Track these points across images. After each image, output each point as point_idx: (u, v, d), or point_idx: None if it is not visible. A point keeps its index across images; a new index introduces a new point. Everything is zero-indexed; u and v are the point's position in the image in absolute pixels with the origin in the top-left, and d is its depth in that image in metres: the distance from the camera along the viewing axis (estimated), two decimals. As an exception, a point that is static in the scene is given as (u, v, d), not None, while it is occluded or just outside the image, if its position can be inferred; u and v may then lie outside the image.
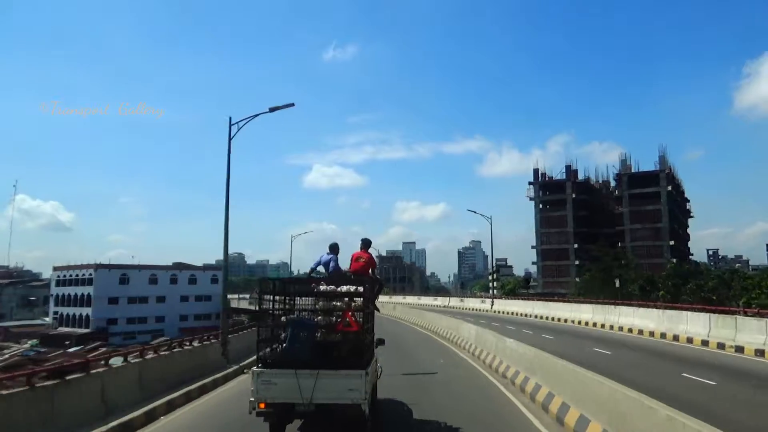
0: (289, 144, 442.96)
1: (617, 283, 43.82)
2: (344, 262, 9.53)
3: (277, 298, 8.22)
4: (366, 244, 9.68)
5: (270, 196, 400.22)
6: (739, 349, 17.58)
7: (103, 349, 38.91)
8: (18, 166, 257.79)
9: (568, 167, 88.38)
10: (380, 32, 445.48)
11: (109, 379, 9.52)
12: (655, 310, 25.30)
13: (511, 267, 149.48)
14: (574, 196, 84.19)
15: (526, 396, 10.91)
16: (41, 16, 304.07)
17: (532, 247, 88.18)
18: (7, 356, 41.67)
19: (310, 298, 8.31)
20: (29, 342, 59.88)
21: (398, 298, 74.16)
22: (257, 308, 9.07)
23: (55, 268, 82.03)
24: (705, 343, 19.54)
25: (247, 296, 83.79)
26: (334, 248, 9.48)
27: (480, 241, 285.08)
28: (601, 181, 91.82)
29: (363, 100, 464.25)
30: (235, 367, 15.36)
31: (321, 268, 9.44)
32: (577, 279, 72.22)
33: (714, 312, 21.05)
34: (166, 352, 12.32)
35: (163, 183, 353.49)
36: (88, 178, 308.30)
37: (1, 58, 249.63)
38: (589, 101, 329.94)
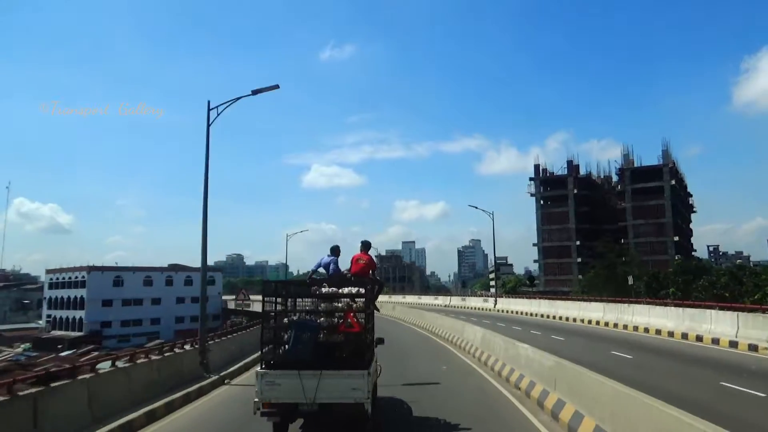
0: (287, 144, 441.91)
1: (630, 281, 42.11)
2: (344, 264, 9.59)
3: (279, 299, 8.27)
4: (366, 246, 9.76)
5: (269, 197, 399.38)
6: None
7: (96, 353, 37.56)
8: (17, 167, 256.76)
9: (569, 162, 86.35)
10: (378, 32, 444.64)
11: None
12: (673, 308, 23.55)
13: (511, 265, 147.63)
14: (575, 191, 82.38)
15: (547, 413, 9.29)
16: (41, 17, 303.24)
17: (534, 244, 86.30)
18: (-3, 361, 40.17)
19: (311, 300, 8.40)
20: (22, 346, 58.89)
21: (398, 298, 71.63)
22: (260, 310, 8.98)
23: (48, 271, 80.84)
24: (734, 344, 17.86)
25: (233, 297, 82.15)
26: (335, 250, 9.64)
27: (480, 240, 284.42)
28: (602, 177, 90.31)
29: (361, 100, 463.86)
30: (214, 378, 13.74)
31: (322, 270, 9.55)
32: (580, 276, 70.62)
33: (742, 310, 19.41)
34: (128, 364, 10.68)
35: (163, 184, 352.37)
36: (87, 179, 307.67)
37: (1, 58, 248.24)
38: (588, 101, 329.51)
